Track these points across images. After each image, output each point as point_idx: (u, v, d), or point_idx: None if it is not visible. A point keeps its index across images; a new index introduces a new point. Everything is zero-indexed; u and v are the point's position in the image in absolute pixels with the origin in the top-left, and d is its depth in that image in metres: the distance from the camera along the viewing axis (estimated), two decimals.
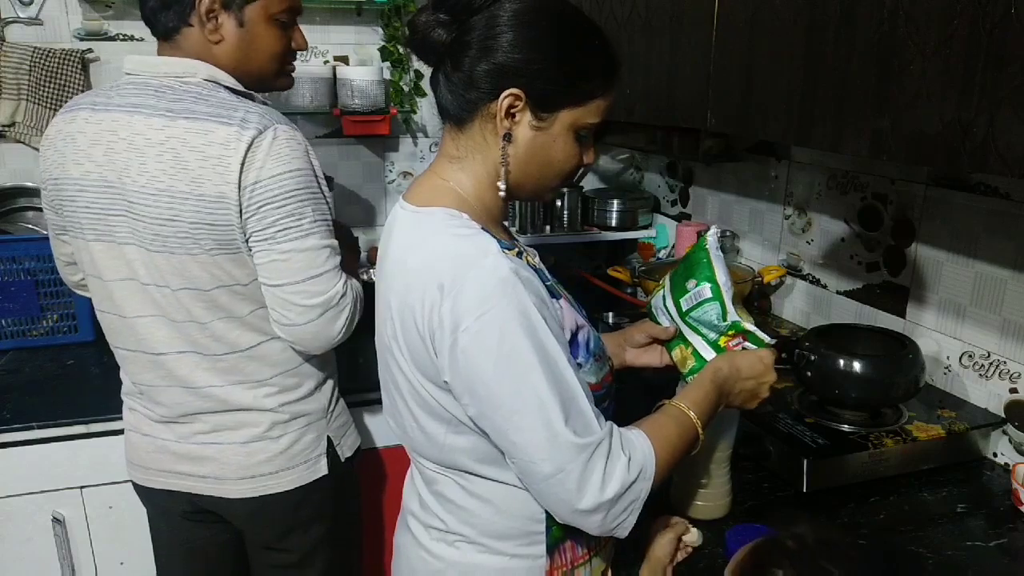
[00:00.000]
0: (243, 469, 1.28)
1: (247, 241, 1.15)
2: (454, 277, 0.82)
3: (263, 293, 1.19)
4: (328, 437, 1.35)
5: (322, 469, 1.34)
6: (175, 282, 1.18)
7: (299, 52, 1.31)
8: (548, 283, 0.92)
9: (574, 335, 0.92)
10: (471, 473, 0.94)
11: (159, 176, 1.12)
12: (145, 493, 1.37)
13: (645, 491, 0.87)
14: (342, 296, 1.21)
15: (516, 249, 0.91)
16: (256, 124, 1.12)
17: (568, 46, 0.87)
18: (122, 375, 1.35)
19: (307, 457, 1.32)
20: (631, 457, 0.86)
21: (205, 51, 1.19)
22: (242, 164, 1.11)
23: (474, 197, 0.93)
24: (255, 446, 1.28)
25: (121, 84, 1.20)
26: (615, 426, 0.88)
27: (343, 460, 1.37)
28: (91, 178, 1.17)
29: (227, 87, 1.19)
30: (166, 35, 1.19)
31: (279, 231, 1.14)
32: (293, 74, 1.34)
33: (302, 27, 1.31)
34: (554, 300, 0.90)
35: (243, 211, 1.13)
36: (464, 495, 0.96)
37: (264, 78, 1.27)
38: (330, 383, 1.38)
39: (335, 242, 1.21)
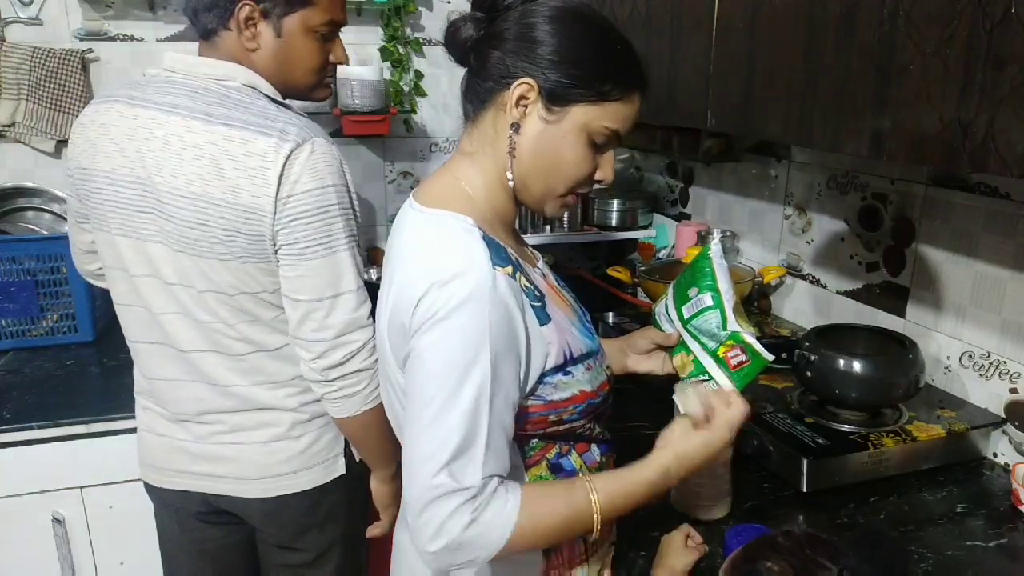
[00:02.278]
0: (263, 468, 1.28)
1: (276, 252, 1.15)
2: (441, 280, 0.83)
3: (284, 305, 1.18)
4: (345, 437, 1.35)
5: (339, 469, 1.34)
6: (200, 284, 1.17)
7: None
8: (536, 305, 0.90)
9: (567, 357, 0.91)
10: None
11: (193, 180, 1.12)
12: (158, 494, 1.36)
13: (479, 559, 0.82)
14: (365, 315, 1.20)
15: (510, 267, 0.88)
16: (295, 136, 1.11)
17: (588, 45, 0.88)
18: (135, 372, 1.34)
19: (325, 457, 1.32)
20: (475, 520, 0.80)
21: (242, 56, 1.19)
22: (279, 176, 1.10)
23: (483, 198, 0.93)
24: (276, 446, 1.27)
25: (159, 81, 1.19)
26: (494, 484, 0.82)
27: (357, 460, 1.38)
28: (121, 173, 1.16)
29: (266, 95, 1.18)
30: (205, 35, 1.19)
31: (307, 247, 1.13)
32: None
33: None
34: (542, 327, 0.89)
35: (275, 222, 1.12)
36: None
37: (299, 89, 1.26)
38: None
39: (359, 260, 1.20)
